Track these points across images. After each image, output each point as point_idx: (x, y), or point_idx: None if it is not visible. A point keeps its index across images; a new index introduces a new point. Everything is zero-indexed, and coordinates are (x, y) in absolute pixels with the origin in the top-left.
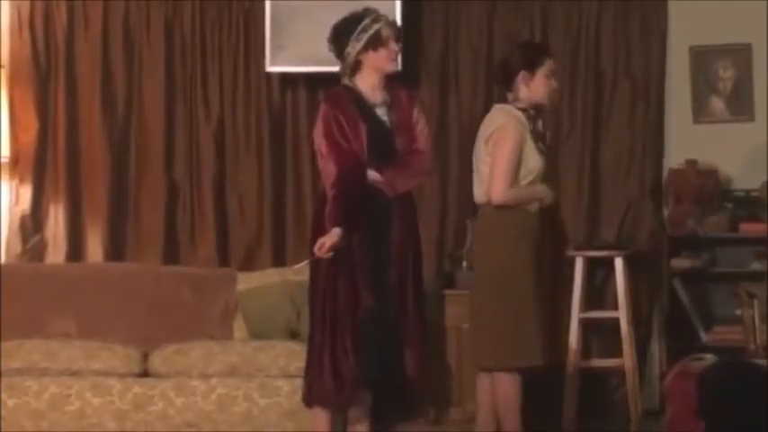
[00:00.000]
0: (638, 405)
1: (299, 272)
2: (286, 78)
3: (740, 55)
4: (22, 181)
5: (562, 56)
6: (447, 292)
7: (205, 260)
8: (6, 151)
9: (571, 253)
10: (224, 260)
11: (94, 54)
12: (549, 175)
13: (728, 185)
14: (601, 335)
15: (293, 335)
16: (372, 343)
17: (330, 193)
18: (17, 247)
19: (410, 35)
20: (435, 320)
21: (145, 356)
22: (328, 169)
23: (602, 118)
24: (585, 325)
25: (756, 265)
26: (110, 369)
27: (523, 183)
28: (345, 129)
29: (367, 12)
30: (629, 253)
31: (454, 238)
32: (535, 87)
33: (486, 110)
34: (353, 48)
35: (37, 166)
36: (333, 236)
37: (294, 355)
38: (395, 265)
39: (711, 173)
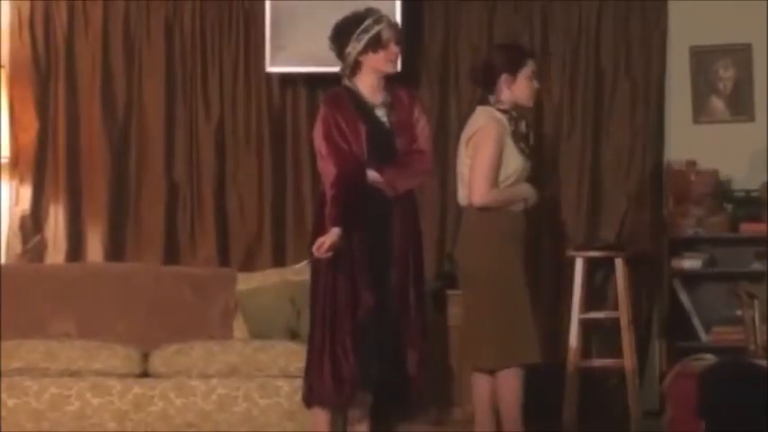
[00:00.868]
0: (638, 405)
1: (299, 272)
2: (286, 78)
3: (740, 55)
4: (22, 181)
5: (562, 56)
6: (449, 292)
7: (205, 260)
8: (6, 151)
9: (571, 253)
10: (224, 260)
11: (94, 54)
12: (534, 175)
13: (728, 185)
14: (601, 335)
15: (293, 335)
16: (372, 343)
17: (329, 193)
18: (17, 247)
19: (410, 35)
20: (437, 320)
21: (145, 356)
22: (328, 170)
23: (603, 118)
24: (585, 325)
25: (756, 265)
26: (110, 369)
27: (505, 184)
28: (345, 130)
29: (369, 12)
30: (629, 253)
31: (454, 238)
32: (517, 89)
33: None
34: (354, 48)
35: (37, 166)
36: (332, 235)
37: (294, 356)
38: (395, 264)
39: (711, 173)
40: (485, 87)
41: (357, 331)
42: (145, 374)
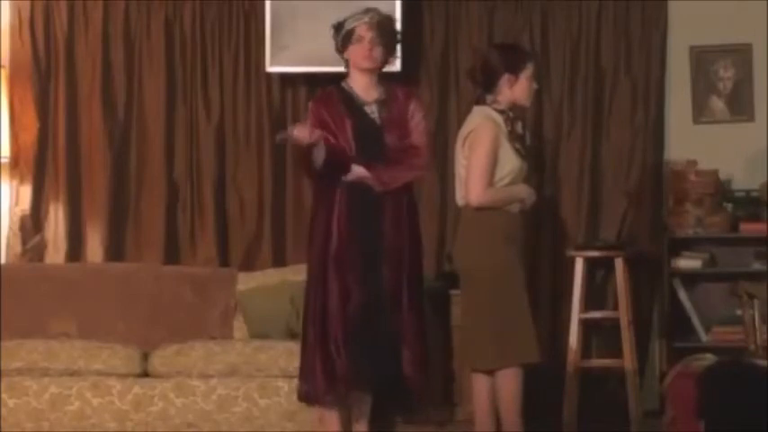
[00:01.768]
0: (638, 405)
1: (299, 272)
2: (286, 78)
3: (740, 55)
4: (22, 181)
5: (562, 56)
6: (452, 292)
7: (205, 260)
8: (6, 151)
9: (571, 253)
10: (224, 260)
11: (94, 54)
12: (530, 176)
13: (728, 185)
14: (601, 335)
15: (293, 335)
16: (364, 341)
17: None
18: (17, 247)
19: (410, 35)
20: (439, 321)
21: (145, 356)
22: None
23: (602, 118)
24: (585, 325)
25: (756, 265)
26: (110, 369)
27: (500, 185)
28: (331, 125)
29: (365, 11)
30: (629, 253)
31: (454, 237)
32: (518, 90)
33: None
34: (337, 45)
35: (37, 166)
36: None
37: (294, 356)
38: (388, 262)
39: (711, 173)
40: (484, 87)
41: (348, 329)
42: (145, 374)
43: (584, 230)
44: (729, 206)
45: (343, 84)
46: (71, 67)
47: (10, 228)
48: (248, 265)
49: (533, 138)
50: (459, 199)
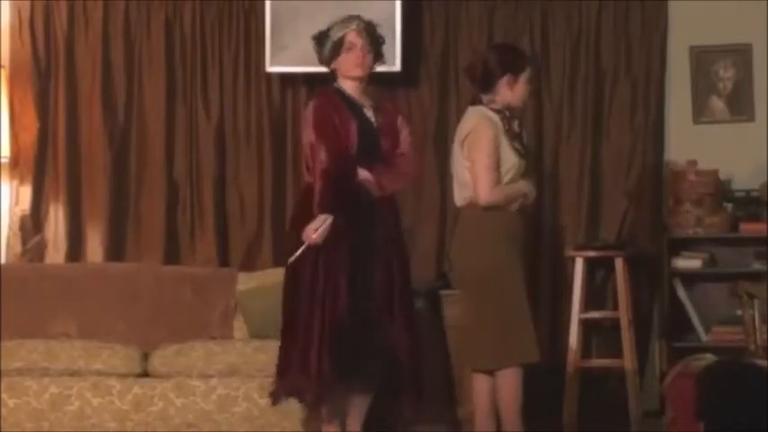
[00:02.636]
0: (638, 405)
1: None
2: (286, 78)
3: (740, 55)
4: (22, 181)
5: (562, 56)
6: (446, 292)
7: (205, 260)
8: (6, 151)
9: (571, 253)
10: (224, 260)
11: (94, 54)
12: (529, 174)
13: (728, 185)
14: (601, 335)
15: None
16: (351, 342)
17: (320, 183)
18: (17, 247)
19: (410, 35)
20: (436, 321)
21: (145, 356)
22: (318, 158)
23: (602, 118)
24: (585, 325)
25: (756, 265)
26: (110, 369)
27: (502, 182)
28: (337, 124)
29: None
30: (629, 253)
31: (452, 238)
32: (517, 91)
33: None
34: (322, 56)
35: (37, 166)
36: (323, 220)
37: None
38: (378, 264)
39: (711, 173)
40: (481, 87)
41: (335, 331)
42: (145, 374)
43: (584, 230)
44: (729, 206)
45: (337, 85)
46: (71, 67)
47: (10, 228)
48: (248, 265)
49: (530, 137)
50: (458, 200)
